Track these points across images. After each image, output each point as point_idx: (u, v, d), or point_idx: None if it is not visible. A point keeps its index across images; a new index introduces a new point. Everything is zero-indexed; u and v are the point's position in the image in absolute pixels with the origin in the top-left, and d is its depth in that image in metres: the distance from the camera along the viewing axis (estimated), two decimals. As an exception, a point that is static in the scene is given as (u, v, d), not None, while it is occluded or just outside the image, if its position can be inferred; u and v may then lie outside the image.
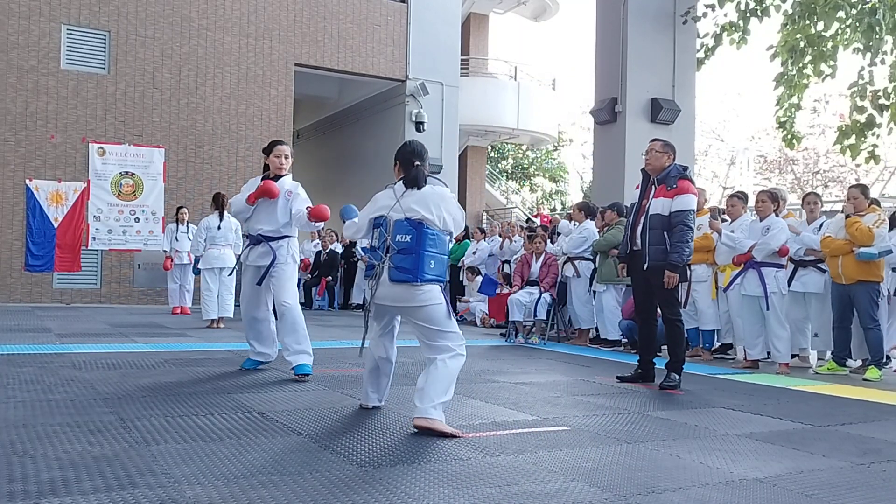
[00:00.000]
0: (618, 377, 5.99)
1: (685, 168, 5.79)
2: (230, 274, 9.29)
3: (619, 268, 6.11)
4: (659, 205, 5.60)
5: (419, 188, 4.02)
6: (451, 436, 3.74)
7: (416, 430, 3.78)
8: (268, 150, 5.73)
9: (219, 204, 9.49)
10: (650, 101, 11.60)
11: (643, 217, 5.70)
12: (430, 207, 3.94)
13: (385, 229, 3.96)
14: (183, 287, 11.78)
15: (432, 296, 3.91)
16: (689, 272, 6.77)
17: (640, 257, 5.71)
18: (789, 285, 7.08)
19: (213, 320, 9.52)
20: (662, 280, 5.54)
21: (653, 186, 5.73)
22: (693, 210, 5.62)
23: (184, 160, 14.69)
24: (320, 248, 14.78)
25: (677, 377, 5.64)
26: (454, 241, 13.04)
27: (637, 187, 5.97)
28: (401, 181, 4.09)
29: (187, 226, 11.54)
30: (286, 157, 5.67)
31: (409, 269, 3.85)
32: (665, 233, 5.55)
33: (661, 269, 5.53)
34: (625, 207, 9.06)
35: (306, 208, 5.45)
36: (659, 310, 5.87)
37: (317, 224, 5.56)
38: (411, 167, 4.07)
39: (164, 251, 11.75)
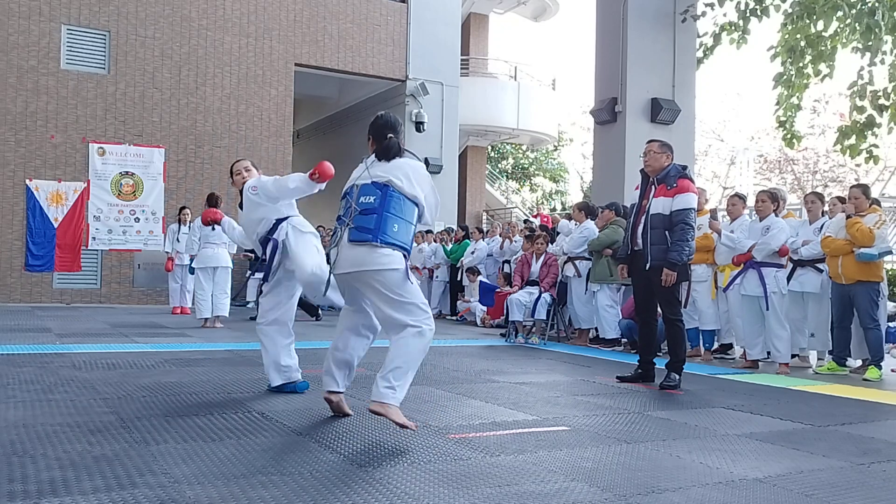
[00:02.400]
0: (618, 377, 5.99)
1: (684, 167, 5.80)
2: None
3: (619, 269, 6.10)
4: (660, 204, 5.61)
5: (390, 159, 3.84)
6: (404, 426, 3.61)
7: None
8: (230, 173, 5.28)
9: (213, 203, 9.38)
10: (650, 101, 11.60)
11: (644, 217, 5.70)
12: (399, 175, 3.76)
13: (351, 197, 3.82)
14: (184, 287, 11.80)
15: (392, 260, 3.64)
16: (690, 271, 6.76)
17: (641, 257, 5.70)
18: (787, 284, 7.09)
19: (206, 319, 9.60)
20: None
21: (652, 186, 5.73)
22: (694, 208, 5.63)
23: (184, 160, 14.69)
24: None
25: (677, 377, 5.64)
26: (453, 241, 13.06)
27: (637, 188, 5.97)
28: (373, 154, 3.92)
29: (189, 226, 11.55)
30: (246, 170, 5.12)
31: (371, 228, 3.64)
32: (667, 232, 5.56)
33: (662, 269, 5.53)
34: (624, 207, 9.08)
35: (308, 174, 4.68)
36: (659, 309, 5.87)
37: (319, 185, 4.76)
38: (384, 139, 3.88)
39: (166, 252, 11.79)
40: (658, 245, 5.57)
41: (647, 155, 5.76)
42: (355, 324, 4.03)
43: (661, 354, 7.85)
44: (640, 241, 5.70)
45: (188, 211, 11.93)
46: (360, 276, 3.72)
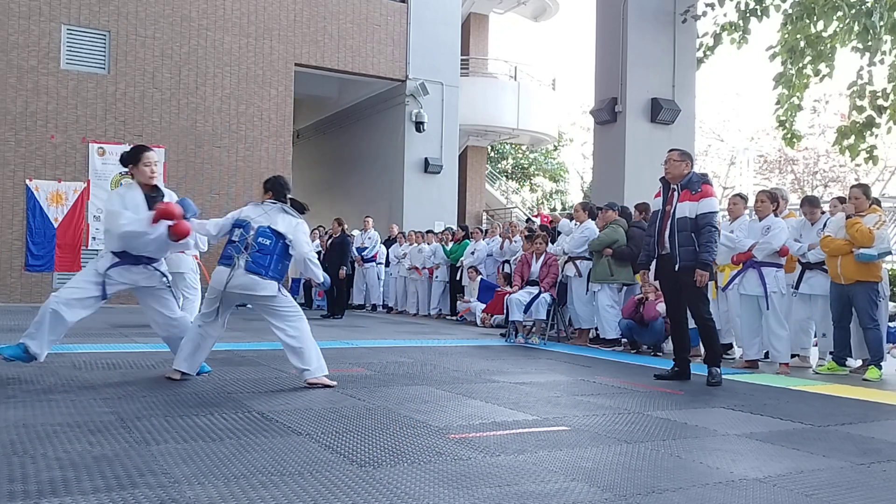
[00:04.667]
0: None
1: (705, 175, 6.14)
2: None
3: (641, 274, 6.32)
4: (685, 208, 5.88)
5: (287, 213, 5.15)
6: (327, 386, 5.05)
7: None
8: (133, 158, 5.13)
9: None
10: (650, 100, 11.59)
11: (669, 221, 5.95)
12: (290, 230, 5.08)
13: (246, 231, 4.99)
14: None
15: (271, 288, 5.02)
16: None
17: (669, 260, 5.95)
18: (797, 288, 7.14)
19: None
20: (692, 279, 5.80)
21: (675, 192, 6.00)
22: (717, 212, 5.98)
23: (184, 160, 14.70)
24: (320, 249, 14.77)
25: (718, 371, 5.89)
26: (453, 241, 13.07)
27: (657, 196, 6.22)
28: (273, 202, 5.14)
29: None
30: (156, 165, 5.24)
31: (264, 265, 4.95)
32: (693, 234, 5.83)
33: (692, 269, 5.80)
34: (624, 208, 9.08)
35: (167, 227, 4.99)
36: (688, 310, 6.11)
37: (179, 242, 5.12)
38: (284, 197, 5.19)
39: None
40: (686, 247, 5.84)
41: (668, 163, 6.07)
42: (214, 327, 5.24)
43: (661, 355, 7.87)
44: (667, 244, 5.97)
45: None
46: (249, 298, 5.06)
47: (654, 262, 6.21)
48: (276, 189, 5.21)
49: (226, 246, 5.03)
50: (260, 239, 4.95)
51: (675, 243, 5.89)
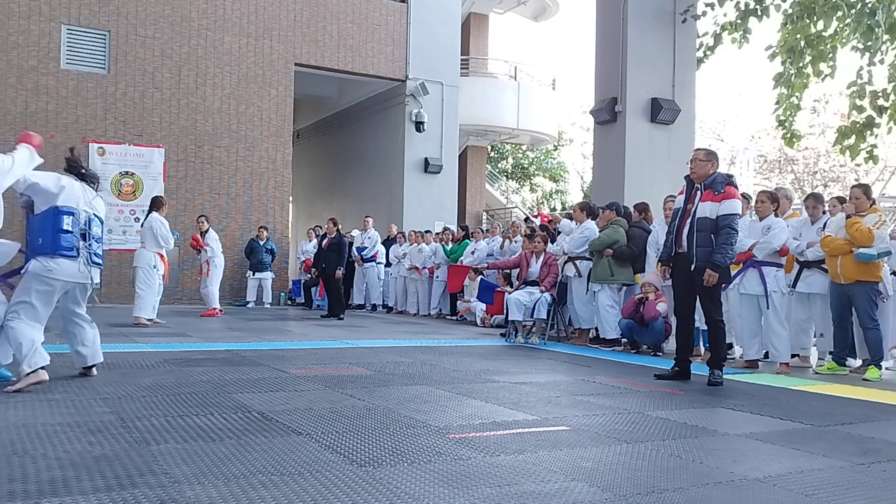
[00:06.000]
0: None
1: (730, 176, 6.08)
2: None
3: (661, 270, 6.28)
4: (707, 208, 5.84)
5: (98, 194, 5.34)
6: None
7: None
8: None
9: (151, 206, 10.18)
10: (650, 100, 11.59)
11: (689, 220, 5.91)
12: (103, 211, 5.28)
13: (77, 219, 4.94)
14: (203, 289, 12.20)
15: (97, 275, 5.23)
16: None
17: (685, 259, 5.92)
18: (794, 286, 7.13)
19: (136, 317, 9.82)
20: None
21: (698, 192, 5.96)
22: (739, 214, 5.92)
23: (184, 160, 14.70)
24: (317, 249, 14.76)
25: (720, 374, 5.86)
26: (453, 241, 13.05)
27: (680, 193, 6.20)
28: (80, 180, 5.15)
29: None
30: None
31: (101, 256, 5.16)
32: (712, 235, 5.80)
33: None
34: (625, 207, 9.08)
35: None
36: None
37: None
38: (85, 173, 5.28)
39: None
40: (704, 247, 5.82)
41: (693, 162, 6.01)
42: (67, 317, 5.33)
43: (661, 355, 7.87)
44: (685, 243, 5.92)
45: (204, 218, 12.62)
46: (84, 287, 5.13)
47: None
48: (75, 167, 5.29)
49: (61, 235, 4.81)
50: (95, 229, 5.11)
51: (692, 243, 5.85)
